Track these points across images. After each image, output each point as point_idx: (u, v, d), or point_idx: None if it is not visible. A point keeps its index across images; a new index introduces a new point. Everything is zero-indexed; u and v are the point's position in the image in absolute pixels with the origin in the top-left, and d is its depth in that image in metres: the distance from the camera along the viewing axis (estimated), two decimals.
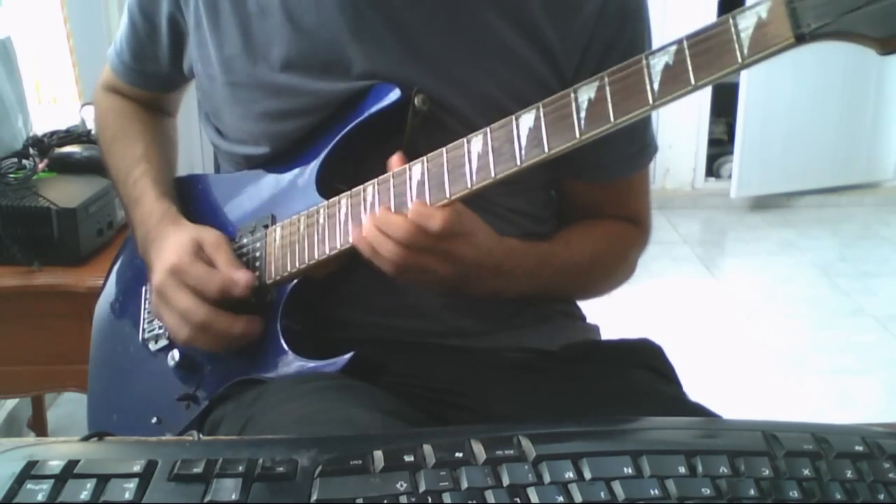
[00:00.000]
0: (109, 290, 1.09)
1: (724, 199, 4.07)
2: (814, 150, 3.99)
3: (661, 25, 3.64)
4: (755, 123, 3.86)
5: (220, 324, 0.85)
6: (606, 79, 0.67)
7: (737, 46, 0.61)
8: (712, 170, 4.28)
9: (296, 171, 0.90)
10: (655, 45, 0.90)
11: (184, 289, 0.86)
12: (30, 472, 0.50)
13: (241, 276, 0.85)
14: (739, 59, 0.61)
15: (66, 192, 1.49)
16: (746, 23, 0.60)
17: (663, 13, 3.76)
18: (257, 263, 0.89)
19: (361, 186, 0.81)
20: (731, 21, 0.61)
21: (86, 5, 2.25)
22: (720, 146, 4.27)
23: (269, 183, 0.93)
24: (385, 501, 0.49)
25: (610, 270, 0.97)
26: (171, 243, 0.89)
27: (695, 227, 3.99)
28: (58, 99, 2.28)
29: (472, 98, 0.85)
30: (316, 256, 0.83)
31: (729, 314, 3.05)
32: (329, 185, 0.86)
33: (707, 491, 0.51)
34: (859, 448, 0.55)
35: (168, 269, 0.87)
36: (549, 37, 0.85)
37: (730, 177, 4.05)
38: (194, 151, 2.17)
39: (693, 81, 0.63)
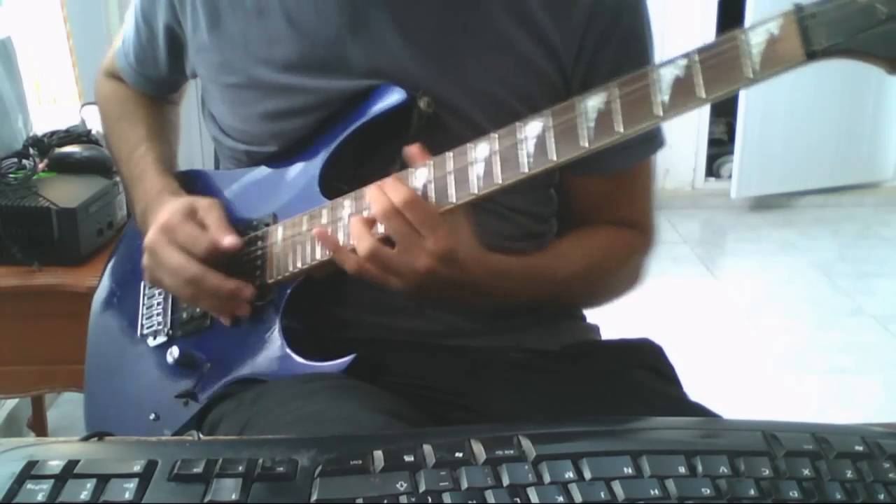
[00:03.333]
0: (106, 285, 1.09)
1: (724, 199, 4.07)
2: (814, 150, 3.99)
3: (661, 26, 3.63)
4: (755, 123, 3.86)
5: (210, 279, 0.86)
6: (616, 90, 0.67)
7: (749, 62, 0.61)
8: (712, 170, 4.28)
9: (298, 170, 0.90)
10: (654, 45, 0.90)
11: (174, 246, 0.87)
12: (30, 472, 0.50)
13: (228, 240, 0.86)
14: (751, 75, 0.61)
15: (66, 192, 1.49)
16: (758, 39, 0.61)
17: (663, 13, 3.75)
18: (258, 262, 0.89)
19: (365, 188, 0.81)
20: (742, 37, 0.61)
21: (86, 5, 2.24)
22: (720, 146, 4.27)
23: (271, 181, 0.93)
24: (385, 501, 0.49)
25: (609, 281, 0.96)
26: (167, 207, 0.91)
27: (695, 227, 3.99)
28: (58, 99, 2.28)
29: (475, 95, 0.85)
30: (318, 257, 0.83)
31: (729, 314, 3.04)
32: (331, 184, 0.86)
33: (707, 491, 0.51)
34: (859, 448, 0.55)
35: (160, 226, 0.88)
36: (548, 30, 0.85)
37: (730, 177, 4.04)
38: (194, 149, 2.17)
39: (703, 95, 0.63)
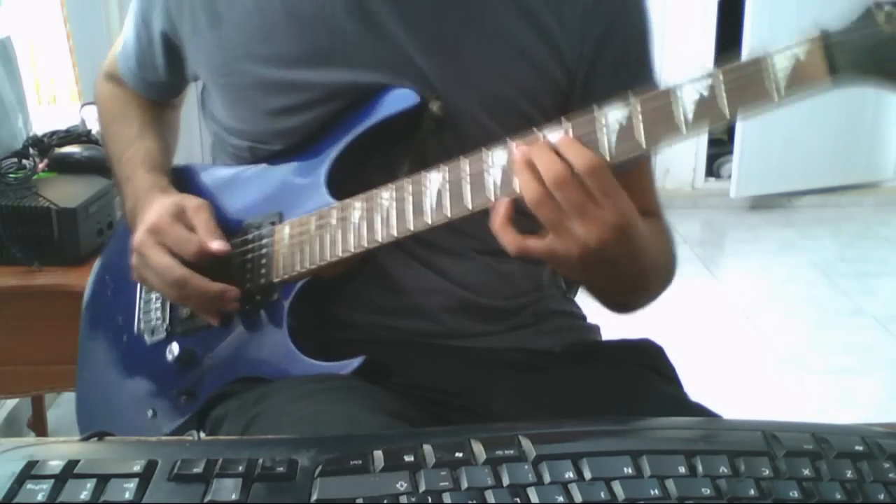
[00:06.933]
0: (99, 282, 1.09)
1: (723, 199, 4.07)
2: (814, 150, 3.98)
3: (661, 26, 3.63)
4: (755, 123, 3.85)
5: (195, 282, 0.86)
6: (638, 105, 0.68)
7: (774, 85, 0.62)
8: (712, 170, 4.28)
9: (305, 168, 0.89)
10: (653, 43, 0.90)
11: (161, 248, 0.87)
12: (30, 472, 0.50)
13: (216, 244, 0.86)
14: (776, 98, 0.63)
15: (66, 192, 1.50)
16: (784, 63, 0.62)
17: (663, 13, 3.75)
18: (263, 261, 0.88)
19: (377, 190, 0.80)
20: (767, 60, 0.63)
21: (86, 5, 2.25)
22: (720, 146, 4.27)
23: (276, 179, 0.92)
24: (385, 501, 0.49)
25: (671, 268, 0.91)
26: (156, 207, 0.91)
27: (695, 227, 3.99)
28: (58, 99, 2.28)
29: (478, 89, 0.85)
30: (328, 257, 0.83)
31: (729, 314, 3.05)
32: (338, 184, 0.86)
33: (707, 491, 0.51)
34: (859, 448, 0.55)
35: (148, 228, 0.88)
36: (549, 25, 0.85)
37: (730, 177, 4.04)
38: (194, 149, 2.16)
39: (728, 115, 0.65)
